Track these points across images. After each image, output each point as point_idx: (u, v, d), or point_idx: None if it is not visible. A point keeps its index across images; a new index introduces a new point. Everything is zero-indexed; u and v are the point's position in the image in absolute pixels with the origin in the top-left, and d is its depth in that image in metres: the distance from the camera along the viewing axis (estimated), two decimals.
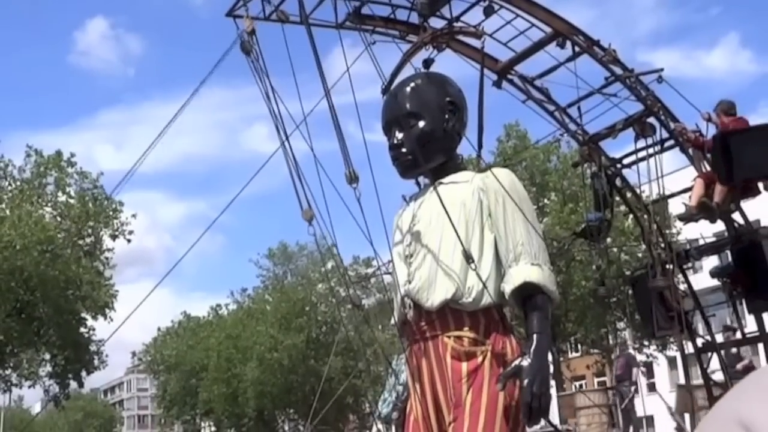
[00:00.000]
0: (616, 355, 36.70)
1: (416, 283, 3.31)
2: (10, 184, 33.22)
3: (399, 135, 3.43)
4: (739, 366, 13.81)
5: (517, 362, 3.05)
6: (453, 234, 3.22)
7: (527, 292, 3.16)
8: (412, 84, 3.56)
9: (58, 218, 33.02)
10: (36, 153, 33.48)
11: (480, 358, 3.15)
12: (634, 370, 18.23)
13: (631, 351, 18.86)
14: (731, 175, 10.85)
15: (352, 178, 3.41)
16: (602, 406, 17.54)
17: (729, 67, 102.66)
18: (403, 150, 3.43)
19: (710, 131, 11.71)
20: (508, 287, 3.18)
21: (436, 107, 3.45)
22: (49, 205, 33.51)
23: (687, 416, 13.51)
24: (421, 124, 3.41)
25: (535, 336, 3.10)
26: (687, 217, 11.62)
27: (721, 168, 10.81)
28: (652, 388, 55.36)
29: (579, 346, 41.28)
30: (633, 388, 17.55)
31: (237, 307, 54.03)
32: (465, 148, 3.66)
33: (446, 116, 3.46)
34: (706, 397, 12.35)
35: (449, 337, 3.23)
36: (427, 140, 3.40)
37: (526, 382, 2.99)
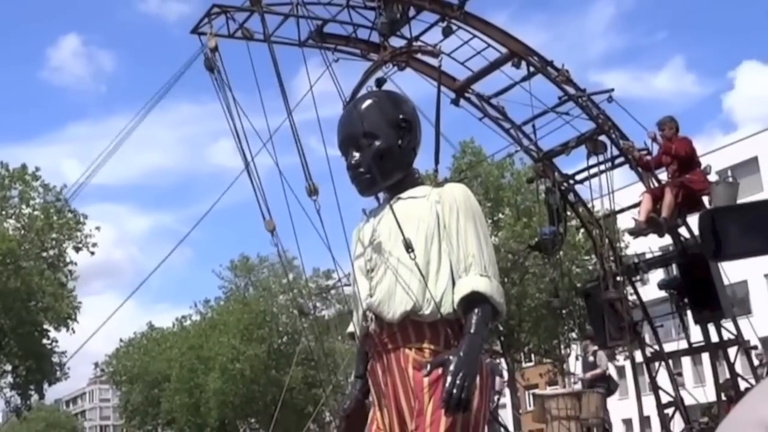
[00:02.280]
0: (568, 365, 36.96)
1: (377, 297, 3.31)
2: None
3: (356, 155, 3.43)
4: (587, 375, 13.89)
5: (447, 354, 3.08)
6: (405, 249, 3.23)
7: (474, 302, 3.17)
8: (366, 103, 3.56)
9: (22, 230, 32.58)
10: (1, 166, 33.07)
11: (441, 369, 3.14)
12: (498, 379, 17.26)
13: (495, 360, 18.23)
14: (719, 253, 11.01)
15: (312, 191, 3.40)
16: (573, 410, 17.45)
17: (675, 88, 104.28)
18: (361, 170, 3.43)
19: (656, 149, 11.89)
20: (456, 296, 3.19)
21: (391, 125, 3.45)
22: (13, 217, 33.07)
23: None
24: (377, 143, 3.41)
25: (468, 335, 3.12)
26: (637, 232, 11.75)
27: (709, 246, 10.95)
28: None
29: (532, 356, 41.49)
30: (497, 398, 16.75)
31: (200, 319, 53.63)
32: (421, 163, 3.68)
33: (400, 133, 3.46)
34: (558, 407, 12.32)
35: (410, 348, 3.24)
36: (383, 159, 3.41)
37: (450, 372, 3.00)
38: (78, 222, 33.31)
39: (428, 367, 3.13)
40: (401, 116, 3.49)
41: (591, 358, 14.30)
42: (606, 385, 13.85)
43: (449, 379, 2.99)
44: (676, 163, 11.53)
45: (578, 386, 13.95)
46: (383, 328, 3.30)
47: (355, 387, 3.58)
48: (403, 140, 3.46)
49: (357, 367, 3.60)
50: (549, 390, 14.48)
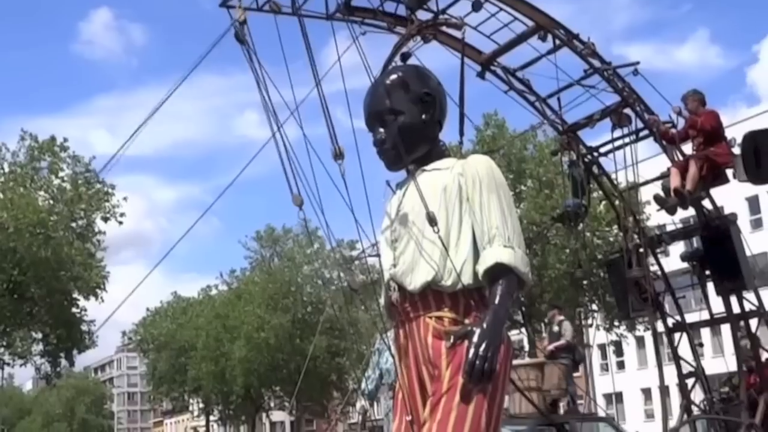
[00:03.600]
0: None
1: (400, 267, 3.35)
2: (2, 168, 33.01)
3: (381, 131, 3.46)
4: (551, 346, 13.83)
5: (471, 326, 3.10)
6: (429, 221, 3.25)
7: (499, 273, 3.19)
8: (390, 79, 3.57)
9: (51, 201, 32.82)
10: (30, 137, 33.28)
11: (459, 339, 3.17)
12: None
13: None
14: (759, 174, 11.00)
15: (338, 155, 3.42)
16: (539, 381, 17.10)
17: (699, 61, 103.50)
18: (386, 146, 3.46)
19: (680, 123, 11.81)
20: (481, 267, 3.21)
21: (414, 100, 3.47)
22: (42, 188, 33.30)
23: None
24: (401, 118, 3.43)
25: (493, 306, 3.14)
26: (661, 203, 11.71)
27: (750, 167, 10.88)
28: (621, 366, 55.94)
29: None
30: None
31: (226, 288, 53.96)
32: (445, 136, 3.69)
33: (424, 108, 3.48)
34: (521, 378, 12.22)
35: (430, 317, 3.27)
36: (408, 133, 3.43)
37: (474, 343, 3.02)
38: (106, 193, 33.50)
39: (452, 338, 3.15)
40: (425, 91, 3.50)
41: (556, 329, 14.18)
42: (571, 356, 13.77)
43: (472, 350, 3.01)
44: (702, 136, 11.46)
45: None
46: (405, 298, 3.33)
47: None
48: (427, 114, 3.47)
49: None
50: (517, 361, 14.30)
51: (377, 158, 3.54)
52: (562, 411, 14.00)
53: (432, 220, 3.23)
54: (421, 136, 3.48)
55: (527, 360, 14.97)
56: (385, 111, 3.46)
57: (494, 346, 3.03)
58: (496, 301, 3.14)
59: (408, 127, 3.43)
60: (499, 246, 3.20)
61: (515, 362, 14.89)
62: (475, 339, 3.02)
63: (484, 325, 3.06)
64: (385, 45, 10.20)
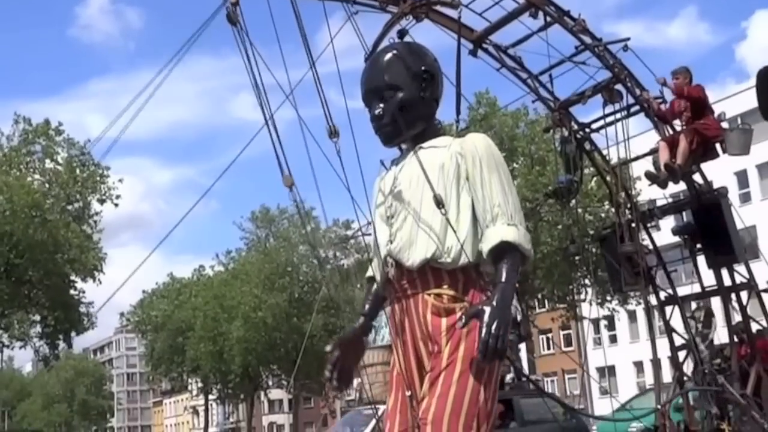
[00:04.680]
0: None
1: (398, 243, 3.33)
2: None
3: (380, 106, 3.44)
4: None
5: (481, 305, 3.10)
6: (432, 196, 3.24)
7: (504, 251, 3.19)
8: (389, 55, 3.54)
9: (47, 185, 32.77)
10: (24, 121, 33.18)
11: (459, 314, 3.19)
12: None
13: None
14: None
15: (333, 133, 3.40)
16: (386, 364, 16.78)
17: (688, 37, 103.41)
18: (384, 121, 3.44)
19: (668, 96, 11.80)
20: (485, 246, 3.21)
21: (413, 77, 3.45)
22: (38, 171, 33.24)
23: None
24: (400, 94, 3.41)
25: (500, 284, 3.13)
26: (654, 179, 11.73)
27: (764, 103, 10.75)
28: (613, 340, 56.24)
29: (546, 302, 41.72)
30: None
31: (223, 269, 53.98)
32: (442, 114, 3.67)
33: (422, 85, 3.46)
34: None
35: (429, 294, 3.26)
36: (405, 110, 3.42)
37: (486, 321, 3.02)
38: (102, 175, 33.46)
39: (463, 319, 3.14)
40: (423, 68, 3.49)
41: None
42: (516, 332, 13.70)
43: (484, 329, 3.01)
44: (690, 110, 11.46)
45: None
46: (403, 274, 3.32)
47: (357, 322, 3.60)
48: (425, 92, 3.46)
49: (363, 306, 3.62)
50: None
51: (371, 138, 3.53)
52: (507, 388, 13.99)
53: (439, 203, 3.23)
54: (418, 113, 3.47)
55: None
56: (383, 86, 3.45)
57: (505, 325, 3.04)
58: (503, 279, 3.14)
59: (406, 103, 3.42)
60: (502, 224, 3.21)
61: None
62: (486, 318, 3.02)
63: (494, 304, 3.06)
64: (378, 24, 10.16)
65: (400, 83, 3.43)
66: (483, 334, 3.01)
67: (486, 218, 3.24)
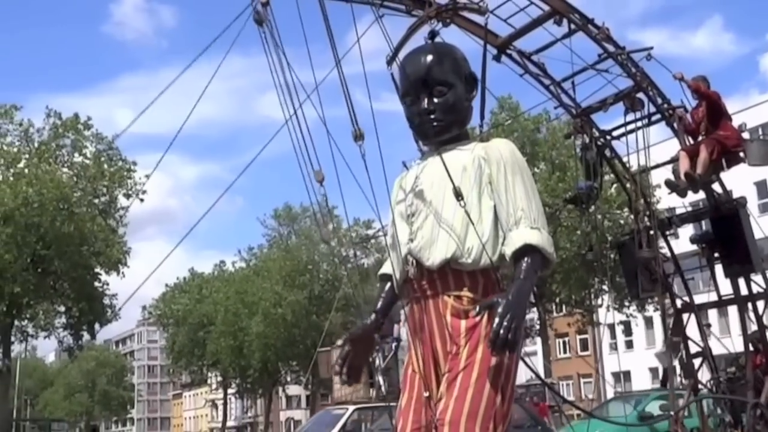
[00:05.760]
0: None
1: (418, 242, 3.31)
2: (28, 145, 33.24)
3: (435, 100, 3.38)
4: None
5: (497, 298, 3.05)
6: (454, 196, 3.22)
7: (526, 254, 3.15)
8: (439, 52, 3.49)
9: (74, 178, 33.03)
10: (54, 114, 33.46)
11: (478, 317, 3.16)
12: (395, 326, 16.07)
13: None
14: None
15: (358, 136, 3.40)
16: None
17: (712, 47, 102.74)
18: (432, 116, 3.39)
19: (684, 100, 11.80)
20: (509, 250, 3.18)
21: (462, 79, 3.43)
22: (66, 165, 33.52)
23: None
24: (451, 93, 3.38)
25: (518, 281, 3.09)
26: (672, 187, 11.70)
27: None
28: (629, 345, 55.95)
29: (563, 307, 41.58)
30: (395, 345, 16.01)
31: (244, 265, 54.15)
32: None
33: (468, 89, 3.45)
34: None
35: (449, 296, 3.25)
36: (454, 110, 3.39)
37: (499, 314, 2.96)
38: (128, 170, 33.68)
39: (477, 308, 3.10)
40: (469, 72, 3.48)
41: None
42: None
43: (497, 320, 2.95)
44: (706, 115, 11.44)
45: None
46: (423, 274, 3.29)
47: (369, 318, 3.55)
48: (470, 96, 3.46)
49: (376, 303, 3.58)
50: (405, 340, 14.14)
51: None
52: None
53: (458, 194, 3.19)
54: (461, 117, 3.45)
55: None
56: (436, 80, 3.38)
57: (519, 318, 2.98)
58: (522, 276, 3.10)
59: (456, 103, 3.39)
60: (525, 228, 3.18)
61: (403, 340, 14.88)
62: (500, 310, 2.96)
63: (510, 297, 3.00)
64: (403, 28, 10.16)
65: (453, 81, 3.39)
66: (495, 325, 2.95)
67: (509, 222, 3.21)
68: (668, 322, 12.67)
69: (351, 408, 15.23)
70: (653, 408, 16.35)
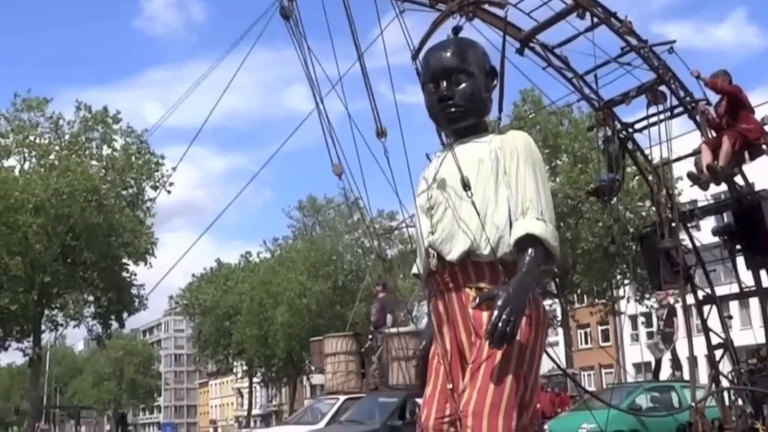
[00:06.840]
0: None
1: (439, 235, 3.35)
2: (59, 137, 33.53)
3: (454, 87, 3.43)
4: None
5: (497, 290, 3.07)
6: (460, 178, 3.25)
7: (529, 244, 3.18)
8: (463, 43, 3.56)
9: (103, 170, 33.30)
10: (85, 108, 33.72)
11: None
12: (389, 316, 16.29)
13: (387, 295, 16.91)
14: None
15: (381, 133, 3.43)
16: (350, 354, 16.48)
17: (736, 40, 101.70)
18: (450, 102, 3.43)
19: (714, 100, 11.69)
20: (512, 238, 3.21)
21: (483, 70, 3.48)
22: (95, 157, 33.80)
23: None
24: (470, 82, 3.42)
25: (520, 273, 3.11)
26: (694, 179, 11.64)
27: None
28: (650, 337, 55.58)
29: (585, 297, 41.41)
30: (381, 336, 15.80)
31: (270, 255, 54.30)
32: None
33: (487, 80, 3.50)
34: (398, 347, 11.67)
35: (471, 287, 3.28)
36: (472, 98, 3.43)
37: (497, 306, 2.98)
38: (157, 163, 33.93)
39: (477, 300, 3.14)
40: (491, 66, 3.54)
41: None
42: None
43: (495, 312, 2.97)
44: (726, 108, 11.36)
45: None
46: (444, 267, 3.32)
47: (430, 326, 3.56)
48: (489, 88, 3.51)
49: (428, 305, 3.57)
50: (393, 329, 14.07)
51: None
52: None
53: (466, 185, 3.22)
54: (480, 106, 3.49)
55: (404, 328, 14.57)
56: (456, 68, 3.44)
57: (518, 311, 3.00)
58: (524, 269, 3.12)
59: (475, 92, 3.43)
60: (531, 218, 3.20)
61: (392, 330, 14.89)
62: (499, 302, 2.98)
63: (510, 290, 3.02)
64: (427, 22, 10.17)
65: (473, 70, 3.44)
66: (494, 318, 2.97)
67: (517, 211, 3.24)
68: (661, 313, 12.58)
69: (342, 398, 15.29)
70: (642, 401, 16.28)
